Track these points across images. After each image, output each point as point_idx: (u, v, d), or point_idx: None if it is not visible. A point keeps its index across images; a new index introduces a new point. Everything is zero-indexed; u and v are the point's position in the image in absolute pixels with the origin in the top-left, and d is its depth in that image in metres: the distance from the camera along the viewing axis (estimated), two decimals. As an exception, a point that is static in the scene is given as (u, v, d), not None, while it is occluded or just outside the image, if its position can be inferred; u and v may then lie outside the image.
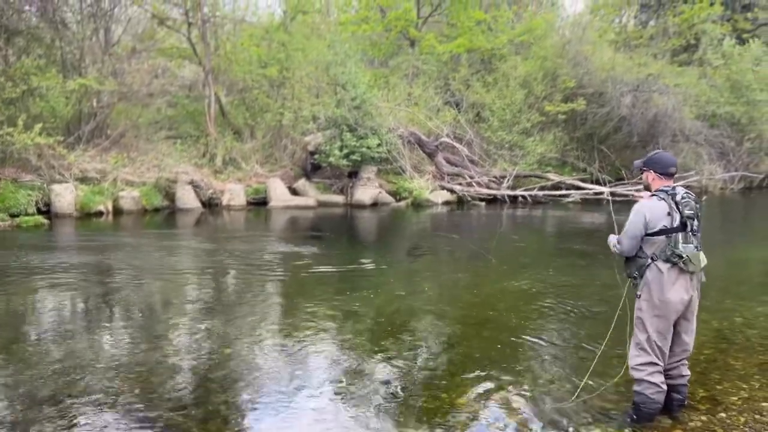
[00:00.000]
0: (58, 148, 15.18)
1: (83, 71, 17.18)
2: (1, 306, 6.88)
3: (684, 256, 3.73)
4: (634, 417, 3.94)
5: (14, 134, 14.18)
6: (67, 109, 17.30)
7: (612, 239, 4.08)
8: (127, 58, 19.41)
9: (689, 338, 3.94)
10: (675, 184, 3.92)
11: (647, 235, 3.81)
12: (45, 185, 14.84)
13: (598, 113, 23.52)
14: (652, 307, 3.80)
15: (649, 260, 3.81)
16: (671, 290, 3.76)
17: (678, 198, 3.79)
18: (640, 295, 3.86)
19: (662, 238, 3.77)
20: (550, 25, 26.23)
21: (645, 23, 33.78)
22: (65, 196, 14.67)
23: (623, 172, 23.73)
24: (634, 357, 3.90)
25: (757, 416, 4.07)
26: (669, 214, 3.75)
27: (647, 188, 4.05)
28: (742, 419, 4.03)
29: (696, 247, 3.79)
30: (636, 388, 3.90)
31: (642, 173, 4.08)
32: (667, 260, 3.76)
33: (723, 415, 4.10)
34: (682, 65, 27.70)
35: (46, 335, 5.84)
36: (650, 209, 3.80)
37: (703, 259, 3.79)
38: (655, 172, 3.97)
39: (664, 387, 3.87)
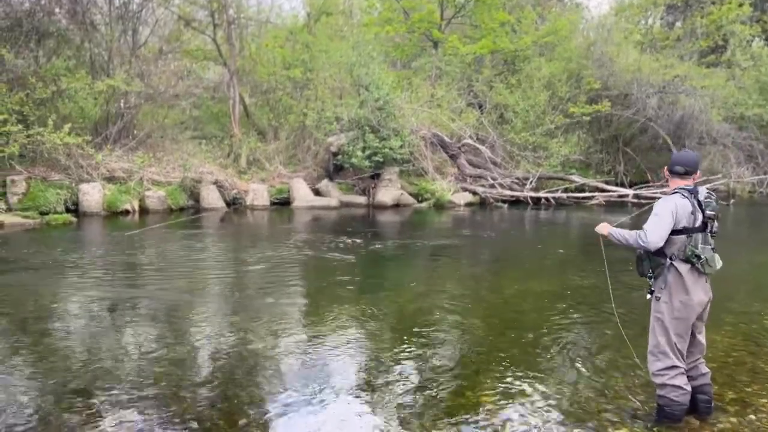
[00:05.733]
0: (87, 147, 15.47)
1: (111, 72, 17.47)
2: (31, 300, 7.03)
3: (702, 257, 3.69)
4: (660, 420, 3.89)
5: (44, 134, 14.49)
6: (95, 109, 17.63)
7: (620, 231, 3.82)
8: (154, 59, 19.71)
9: (703, 338, 3.93)
10: (694, 184, 3.84)
11: (670, 233, 3.71)
12: (73, 184, 15.13)
13: (623, 115, 23.29)
14: (672, 310, 3.74)
15: (668, 260, 3.74)
16: (691, 292, 3.72)
17: (701, 197, 3.76)
18: (659, 297, 3.78)
19: (683, 237, 3.71)
20: (575, 26, 26.05)
21: (672, 24, 33.31)
22: (93, 195, 14.94)
23: (648, 174, 23.45)
24: (654, 363, 3.84)
25: (788, 419, 4.00)
26: (692, 213, 3.71)
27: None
28: (773, 422, 3.97)
29: (713, 249, 3.75)
30: (659, 392, 3.84)
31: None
32: (686, 260, 3.71)
33: (752, 417, 4.04)
34: (710, 67, 27.27)
35: (75, 330, 5.96)
36: (677, 205, 3.71)
37: (718, 261, 3.75)
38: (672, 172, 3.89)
39: (688, 388, 3.81)
